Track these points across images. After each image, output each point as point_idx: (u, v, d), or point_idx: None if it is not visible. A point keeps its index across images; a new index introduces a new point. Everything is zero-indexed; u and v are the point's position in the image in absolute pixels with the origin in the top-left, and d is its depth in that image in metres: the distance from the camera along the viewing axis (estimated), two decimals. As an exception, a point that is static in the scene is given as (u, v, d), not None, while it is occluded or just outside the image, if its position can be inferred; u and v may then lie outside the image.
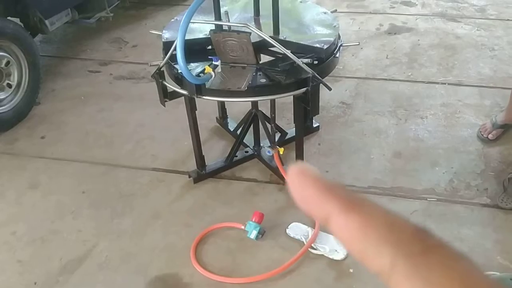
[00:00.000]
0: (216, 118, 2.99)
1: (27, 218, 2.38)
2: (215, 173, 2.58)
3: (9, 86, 2.98)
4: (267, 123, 2.59)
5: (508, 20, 4.08)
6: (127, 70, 3.66)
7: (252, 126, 2.65)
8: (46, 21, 3.16)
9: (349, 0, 4.66)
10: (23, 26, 3.18)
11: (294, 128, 2.56)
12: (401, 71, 3.44)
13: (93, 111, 3.18)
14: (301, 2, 2.54)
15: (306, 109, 2.13)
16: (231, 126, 2.90)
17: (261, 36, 2.05)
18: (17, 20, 3.20)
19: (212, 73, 2.01)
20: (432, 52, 3.67)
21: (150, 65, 2.20)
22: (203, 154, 2.55)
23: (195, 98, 2.16)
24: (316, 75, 1.99)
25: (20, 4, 3.03)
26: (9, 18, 3.04)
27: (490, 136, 2.68)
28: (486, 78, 3.30)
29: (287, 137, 2.76)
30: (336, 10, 2.51)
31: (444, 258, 0.20)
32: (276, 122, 2.61)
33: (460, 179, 2.47)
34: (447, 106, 3.04)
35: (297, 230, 2.19)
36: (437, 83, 3.28)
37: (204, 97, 2.04)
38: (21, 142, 2.92)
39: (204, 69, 2.03)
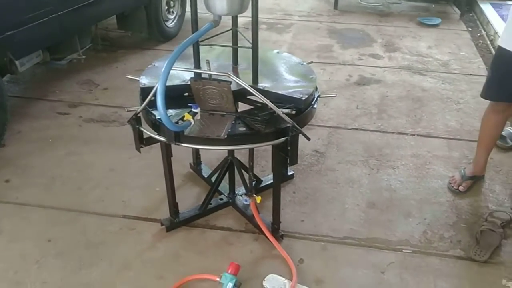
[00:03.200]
0: (190, 164, 2.95)
1: (-14, 267, 2.24)
2: (189, 221, 2.52)
3: (-27, 127, 2.87)
4: (243, 170, 2.57)
5: (471, 75, 4.27)
6: (97, 113, 3.60)
7: (227, 173, 2.62)
8: (17, 62, 3.09)
9: (319, 51, 4.78)
10: (-9, 65, 3.10)
11: (271, 176, 2.55)
12: (371, 122, 3.51)
13: (61, 154, 3.09)
14: (278, 52, 2.58)
15: (284, 158, 2.13)
16: (205, 172, 2.87)
17: (240, 85, 2.05)
18: (-15, 58, 3.12)
19: (192, 120, 1.99)
20: (400, 104, 3.78)
21: (127, 111, 2.16)
22: (177, 201, 2.49)
23: (171, 145, 2.13)
24: (296, 125, 2.00)
25: (-9, 44, 2.96)
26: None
27: (460, 188, 2.74)
28: (453, 131, 3.40)
29: (262, 185, 2.74)
30: (312, 61, 2.56)
31: None
32: (252, 170, 2.60)
33: (433, 230, 2.49)
34: (417, 157, 3.10)
35: (274, 282, 2.13)
36: (407, 134, 3.36)
37: (182, 144, 2.01)
38: (-17, 186, 2.78)
39: (183, 116, 2.00)
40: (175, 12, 4.87)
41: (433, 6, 6.29)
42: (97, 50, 4.51)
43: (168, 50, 4.62)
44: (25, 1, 3.05)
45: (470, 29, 5.49)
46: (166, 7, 4.73)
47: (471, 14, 5.95)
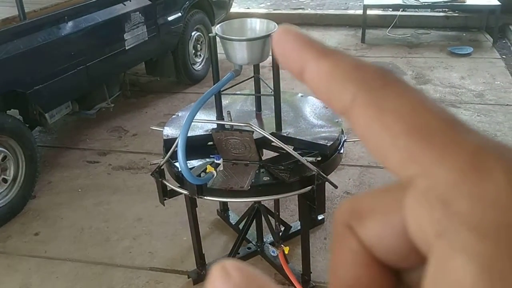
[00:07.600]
0: (217, 210, 2.90)
1: (14, 326, 2.22)
2: (216, 273, 2.44)
3: (5, 181, 2.90)
4: (270, 217, 2.49)
5: (507, 105, 4.10)
6: (127, 160, 3.61)
7: (254, 220, 2.55)
8: (46, 115, 3.14)
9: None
10: (22, 118, 3.16)
11: (299, 222, 2.47)
12: (404, 159, 3.39)
13: (90, 204, 3.09)
14: (302, 96, 2.53)
15: (311, 206, 2.05)
16: (233, 219, 2.80)
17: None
18: (16, 111, 3.18)
19: (214, 172, 1.95)
20: (434, 139, 3.64)
21: (150, 164, 2.15)
22: (203, 251, 2.43)
23: (196, 197, 2.09)
24: (321, 173, 1.93)
25: (20, 98, 3.02)
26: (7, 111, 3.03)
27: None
28: (491, 166, 3.24)
29: (291, 231, 2.65)
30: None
31: (399, 89, 0.21)
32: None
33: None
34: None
35: None
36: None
37: (205, 197, 1.97)
38: (14, 240, 2.79)
39: (206, 168, 1.96)
40: (202, 55, 4.91)
41: (464, 34, 6.16)
42: (127, 96, 4.57)
43: (196, 93, 4.64)
44: (52, 55, 3.11)
45: (504, 56, 5.33)
46: (193, 51, 4.77)
47: (504, 41, 5.80)
